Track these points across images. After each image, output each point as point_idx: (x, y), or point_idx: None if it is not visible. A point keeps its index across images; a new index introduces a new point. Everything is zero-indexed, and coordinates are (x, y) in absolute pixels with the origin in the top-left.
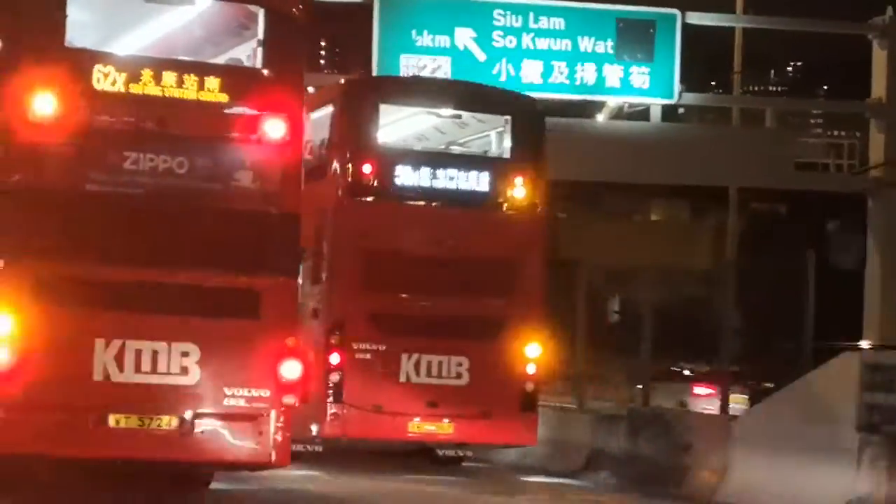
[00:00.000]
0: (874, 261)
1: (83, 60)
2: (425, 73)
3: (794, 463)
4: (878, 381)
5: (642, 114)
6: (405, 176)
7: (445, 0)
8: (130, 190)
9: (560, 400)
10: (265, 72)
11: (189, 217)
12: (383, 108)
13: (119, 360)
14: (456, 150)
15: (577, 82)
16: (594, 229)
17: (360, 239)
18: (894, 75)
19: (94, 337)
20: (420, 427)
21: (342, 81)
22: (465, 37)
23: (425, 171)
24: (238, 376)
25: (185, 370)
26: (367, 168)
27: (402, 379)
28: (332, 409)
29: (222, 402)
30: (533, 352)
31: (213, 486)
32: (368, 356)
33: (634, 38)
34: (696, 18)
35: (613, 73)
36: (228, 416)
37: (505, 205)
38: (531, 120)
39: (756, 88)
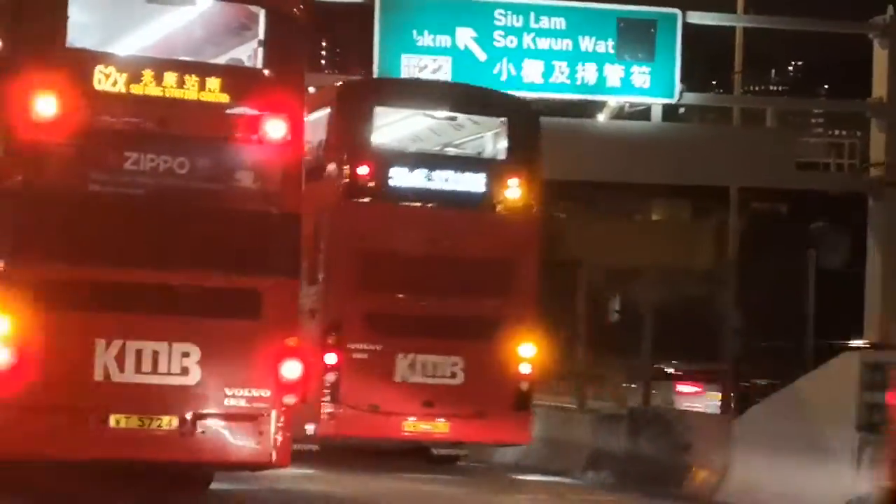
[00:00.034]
0: (875, 260)
1: (84, 61)
2: (426, 73)
3: (795, 462)
4: (878, 381)
5: (643, 113)
6: (401, 177)
7: (446, 0)
8: (131, 190)
9: (560, 400)
10: (266, 72)
11: (190, 217)
12: (379, 110)
13: (120, 360)
14: (451, 151)
15: (578, 82)
16: (595, 229)
17: (356, 240)
18: (895, 75)
19: (95, 337)
20: (416, 426)
21: (338, 84)
22: (465, 37)
23: (421, 172)
24: (239, 376)
25: (185, 370)
26: (363, 170)
27: (398, 379)
28: (328, 409)
29: (223, 402)
30: (527, 351)
31: (214, 486)
32: (365, 356)
33: (635, 37)
34: (696, 18)
35: (614, 73)
36: (229, 417)
37: (500, 206)
38: (526, 121)
39: (757, 88)
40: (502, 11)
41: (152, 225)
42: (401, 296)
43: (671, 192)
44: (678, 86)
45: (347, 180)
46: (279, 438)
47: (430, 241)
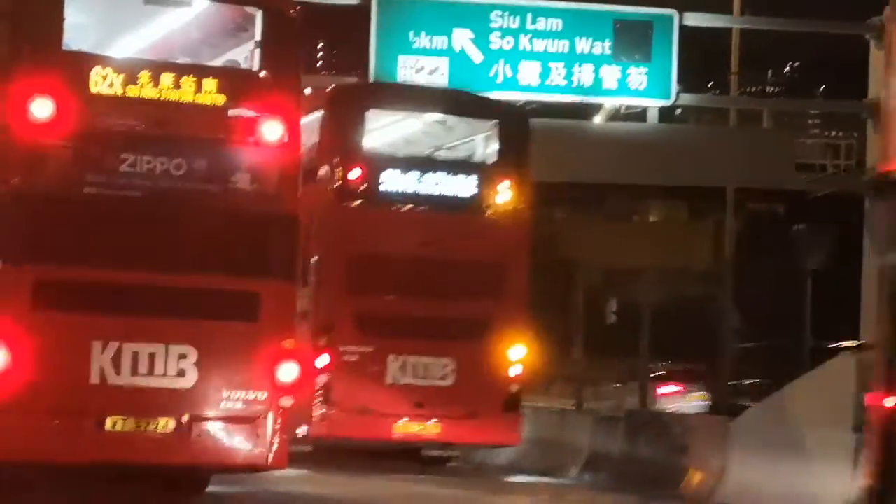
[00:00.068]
0: (872, 261)
1: (81, 63)
2: (423, 75)
3: (792, 464)
4: None
5: (639, 115)
6: (392, 181)
7: (443, 1)
8: (128, 192)
9: (558, 401)
10: (262, 74)
11: (186, 219)
12: (371, 113)
13: (116, 362)
14: (442, 154)
15: (575, 84)
16: (592, 230)
17: (347, 243)
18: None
19: (91, 339)
20: (406, 427)
21: (330, 88)
22: (462, 38)
23: (412, 175)
24: (235, 379)
25: (182, 373)
26: (354, 173)
27: (389, 380)
28: (320, 410)
29: (219, 404)
30: (517, 353)
31: (211, 488)
32: (356, 358)
33: (632, 39)
34: (693, 20)
35: (611, 75)
36: (226, 419)
37: (490, 209)
38: (516, 125)
39: (753, 89)
40: (499, 13)
41: (148, 227)
42: (392, 298)
43: (668, 193)
44: (675, 87)
45: (339, 183)
46: (276, 440)
47: (421, 244)
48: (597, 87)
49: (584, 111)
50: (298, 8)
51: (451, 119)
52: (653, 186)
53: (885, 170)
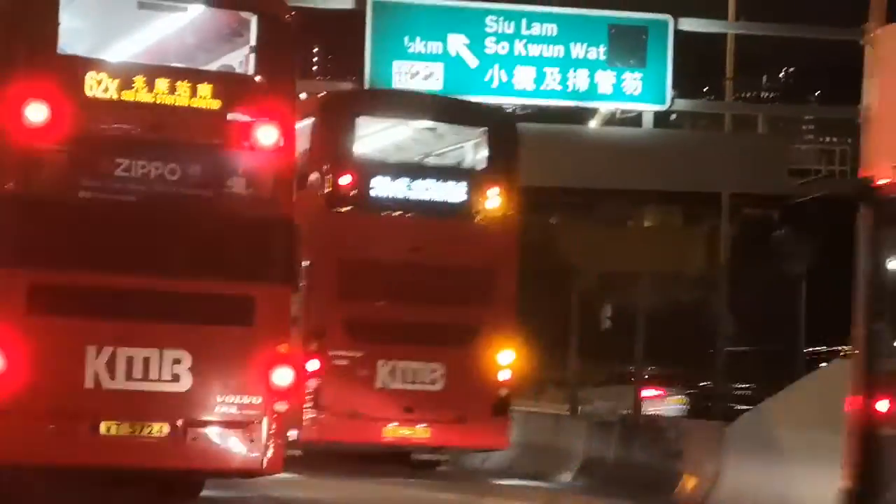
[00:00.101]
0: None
1: (76, 67)
2: (418, 80)
3: (787, 468)
4: None
5: (634, 119)
6: (382, 187)
7: (438, 6)
8: (123, 197)
9: (550, 406)
10: (257, 78)
11: (181, 224)
12: (361, 120)
13: (111, 366)
14: (432, 161)
15: (570, 89)
16: (587, 235)
17: (338, 249)
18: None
19: (86, 344)
20: (396, 431)
21: (321, 95)
22: (457, 43)
23: (402, 182)
24: (230, 383)
25: (176, 377)
26: (345, 179)
27: (379, 385)
28: (310, 415)
29: (214, 409)
30: (506, 358)
31: (205, 492)
32: (346, 363)
33: (627, 44)
34: (688, 25)
35: (606, 80)
36: (220, 423)
37: (479, 215)
38: (505, 131)
39: (748, 94)
40: (494, 18)
41: (143, 231)
42: (382, 303)
43: (663, 198)
44: (669, 92)
45: (330, 189)
46: (271, 445)
47: (411, 250)
48: (592, 92)
49: (579, 116)
50: (293, 13)
51: (441, 126)
52: (648, 191)
53: (865, 175)
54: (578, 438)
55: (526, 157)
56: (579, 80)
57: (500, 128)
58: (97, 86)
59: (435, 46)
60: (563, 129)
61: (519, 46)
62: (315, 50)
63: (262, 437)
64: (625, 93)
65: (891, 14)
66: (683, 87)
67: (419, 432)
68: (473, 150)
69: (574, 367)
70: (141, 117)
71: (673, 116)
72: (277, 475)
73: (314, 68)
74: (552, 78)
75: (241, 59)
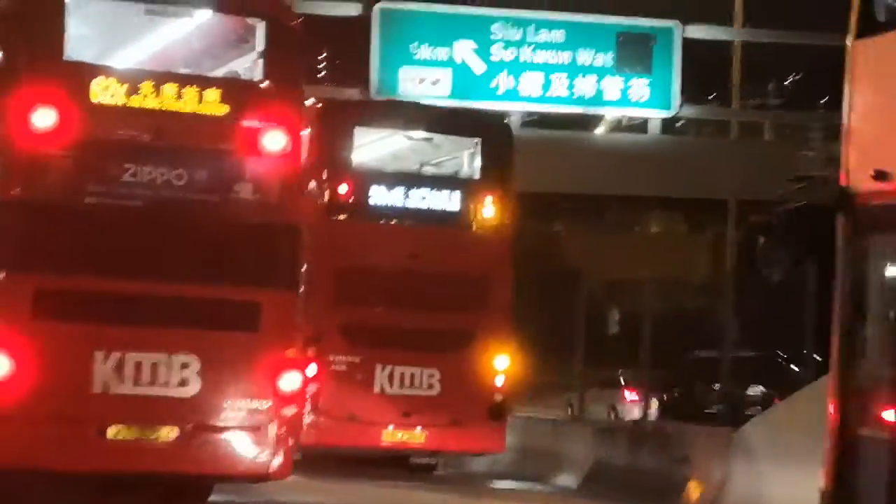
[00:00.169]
0: None
1: (82, 74)
2: (424, 86)
3: (794, 474)
4: None
5: (641, 126)
6: (379, 196)
7: (445, 13)
8: (129, 202)
9: (547, 411)
10: (264, 84)
11: (189, 229)
12: (359, 130)
13: (118, 371)
14: (428, 170)
15: (576, 95)
16: (593, 241)
17: (336, 256)
18: None
19: (93, 348)
20: (394, 436)
21: (319, 104)
22: (464, 49)
23: (398, 191)
24: (238, 388)
25: (184, 382)
26: (342, 188)
27: (377, 389)
28: (309, 419)
29: (222, 413)
30: (501, 364)
31: (213, 497)
32: (344, 368)
33: (634, 50)
34: (695, 32)
35: (613, 86)
36: (228, 428)
37: (475, 223)
38: (501, 141)
39: (754, 101)
40: (501, 24)
41: (150, 237)
42: (379, 309)
43: (669, 204)
44: (676, 98)
45: (327, 198)
46: (278, 450)
47: (408, 257)
48: (598, 99)
49: (585, 122)
50: (300, 18)
51: (437, 136)
52: (654, 198)
53: (843, 184)
54: (582, 443)
55: (533, 163)
56: (586, 86)
57: (495, 137)
58: (104, 92)
59: (441, 53)
60: (570, 135)
61: (526, 53)
62: (322, 56)
63: (271, 442)
64: (631, 99)
65: None
66: (690, 94)
67: (416, 436)
68: (469, 159)
69: (578, 372)
70: (148, 123)
71: (679, 123)
72: (287, 479)
73: (321, 74)
74: (559, 84)
75: (247, 65)
